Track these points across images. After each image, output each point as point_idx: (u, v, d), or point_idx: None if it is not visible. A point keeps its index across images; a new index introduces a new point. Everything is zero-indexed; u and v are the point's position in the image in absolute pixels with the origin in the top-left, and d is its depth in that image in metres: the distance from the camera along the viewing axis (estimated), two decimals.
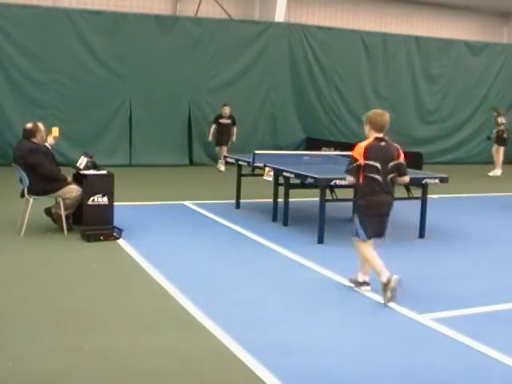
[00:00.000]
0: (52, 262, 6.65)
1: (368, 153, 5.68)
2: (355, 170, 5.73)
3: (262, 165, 8.85)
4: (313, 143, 15.81)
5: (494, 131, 16.11)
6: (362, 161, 5.68)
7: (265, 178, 8.20)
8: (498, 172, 15.83)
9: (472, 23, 20.10)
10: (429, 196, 8.45)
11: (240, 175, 9.84)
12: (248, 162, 9.24)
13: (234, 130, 14.74)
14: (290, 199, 8.62)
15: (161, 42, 14.95)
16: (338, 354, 4.55)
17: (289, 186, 8.53)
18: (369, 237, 5.79)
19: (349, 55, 17.07)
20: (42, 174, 7.55)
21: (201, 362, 4.34)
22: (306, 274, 6.55)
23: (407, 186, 8.53)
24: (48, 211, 7.96)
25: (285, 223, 8.60)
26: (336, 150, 12.83)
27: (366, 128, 5.84)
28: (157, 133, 14.98)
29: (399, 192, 8.66)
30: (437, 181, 8.42)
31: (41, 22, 13.87)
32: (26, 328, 4.80)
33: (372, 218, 5.76)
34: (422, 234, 8.33)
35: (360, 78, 17.31)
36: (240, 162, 9.63)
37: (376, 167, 5.67)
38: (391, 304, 5.55)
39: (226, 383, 4.08)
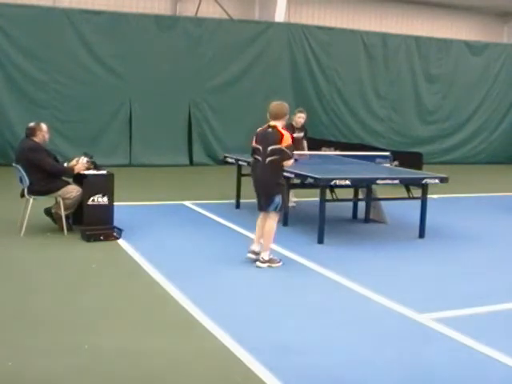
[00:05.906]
0: (52, 262, 6.65)
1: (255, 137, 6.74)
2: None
3: None
4: (313, 143, 15.77)
5: None
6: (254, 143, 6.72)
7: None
8: None
9: (472, 23, 20.08)
10: (429, 196, 8.44)
11: (240, 175, 9.83)
12: (248, 163, 9.22)
13: (305, 144, 10.48)
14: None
15: (161, 42, 14.93)
16: (337, 354, 4.55)
17: (289, 186, 8.53)
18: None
19: (349, 55, 17.04)
20: (45, 170, 7.54)
21: (201, 361, 4.34)
22: (305, 274, 6.55)
23: (407, 186, 8.54)
24: (48, 211, 7.96)
25: (285, 223, 8.60)
26: (336, 149, 12.84)
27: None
28: (157, 133, 14.95)
29: (399, 192, 8.71)
30: (437, 181, 8.42)
31: (41, 22, 13.82)
32: (25, 328, 4.80)
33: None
34: (422, 234, 8.32)
35: (360, 78, 17.28)
36: (240, 162, 9.62)
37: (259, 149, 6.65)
38: (391, 304, 5.57)
39: (225, 383, 4.08)
